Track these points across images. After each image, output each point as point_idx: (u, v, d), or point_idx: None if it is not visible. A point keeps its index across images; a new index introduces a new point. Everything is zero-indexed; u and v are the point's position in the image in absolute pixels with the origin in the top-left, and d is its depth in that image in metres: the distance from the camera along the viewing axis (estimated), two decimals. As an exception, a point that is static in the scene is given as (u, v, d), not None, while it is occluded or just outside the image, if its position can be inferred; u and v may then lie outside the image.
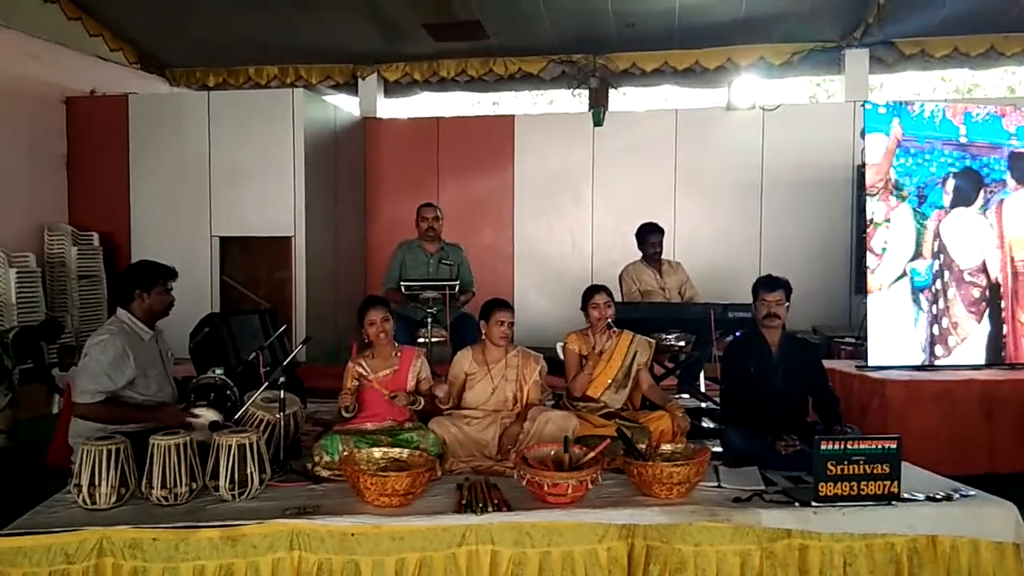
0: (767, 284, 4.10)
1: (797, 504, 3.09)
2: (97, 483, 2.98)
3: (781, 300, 4.04)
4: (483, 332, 4.14)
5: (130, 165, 9.14)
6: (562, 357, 4.41)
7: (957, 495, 3.22)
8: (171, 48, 10.33)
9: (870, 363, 5.43)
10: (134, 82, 10.11)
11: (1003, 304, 5.63)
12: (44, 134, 8.98)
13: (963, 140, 5.59)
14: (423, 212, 5.64)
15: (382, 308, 4.02)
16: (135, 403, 3.55)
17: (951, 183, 5.56)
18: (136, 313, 3.66)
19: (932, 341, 5.52)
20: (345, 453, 3.40)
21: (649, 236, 5.89)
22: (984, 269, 5.61)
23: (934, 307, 5.52)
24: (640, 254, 5.97)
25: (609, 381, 4.24)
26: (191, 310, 5.14)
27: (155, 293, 3.67)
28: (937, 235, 5.55)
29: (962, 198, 5.60)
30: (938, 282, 5.53)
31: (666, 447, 3.53)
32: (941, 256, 5.56)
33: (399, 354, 4.05)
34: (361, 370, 3.95)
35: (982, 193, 5.61)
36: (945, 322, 5.55)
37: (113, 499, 3.00)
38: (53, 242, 8.71)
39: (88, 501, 2.98)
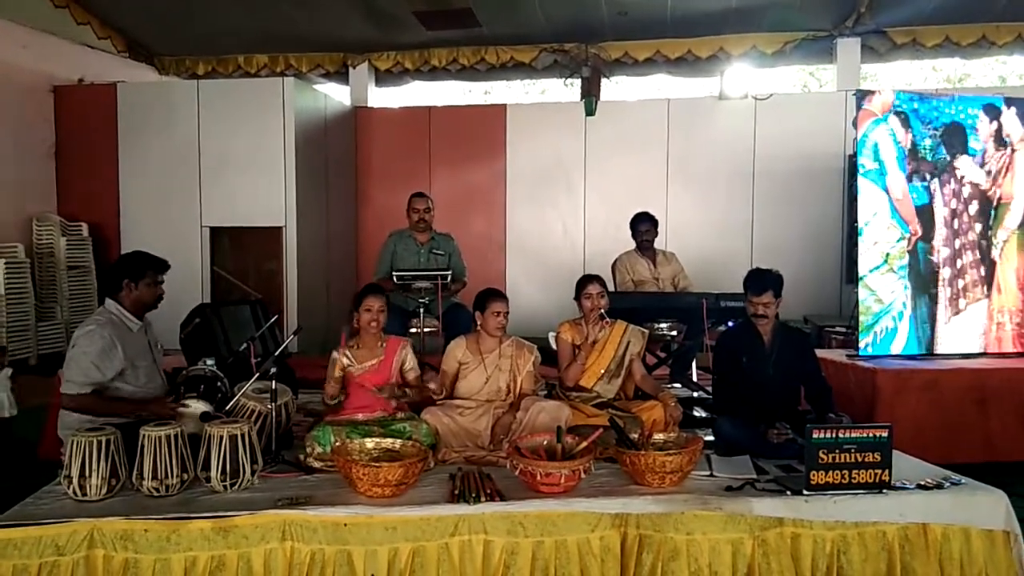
0: (755, 286, 4.04)
1: (789, 492, 3.10)
2: (88, 474, 2.96)
3: (769, 302, 4.01)
4: (478, 322, 4.13)
5: (119, 154, 9.07)
6: (555, 347, 4.41)
7: (948, 483, 3.24)
8: (160, 36, 10.24)
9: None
10: (123, 71, 10.03)
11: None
12: (32, 123, 8.90)
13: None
14: (414, 203, 5.61)
15: (381, 297, 4.01)
16: (123, 397, 3.53)
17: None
18: (124, 304, 3.64)
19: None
20: (337, 444, 3.39)
21: (639, 225, 5.92)
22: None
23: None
24: (634, 244, 5.98)
25: (602, 371, 4.23)
26: (181, 301, 5.12)
27: (143, 284, 3.64)
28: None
29: None
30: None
31: (658, 436, 3.53)
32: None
33: (384, 345, 4.03)
34: (346, 360, 3.94)
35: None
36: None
37: (104, 490, 2.98)
38: (42, 232, 8.65)
39: (79, 492, 2.96)
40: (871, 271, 5.40)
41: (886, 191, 5.45)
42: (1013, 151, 5.71)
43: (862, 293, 5.45)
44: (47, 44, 9.02)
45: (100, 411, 3.43)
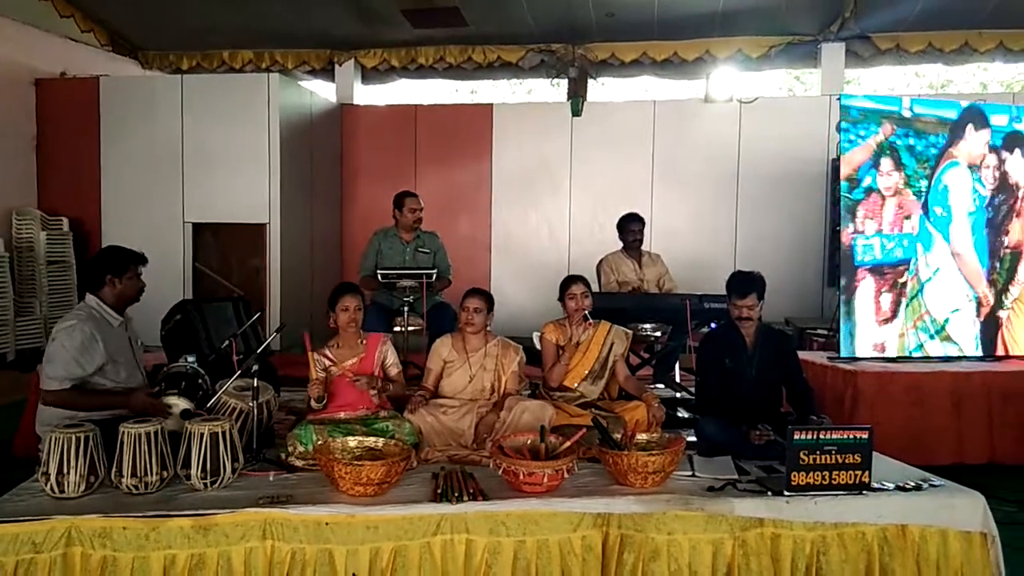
0: (739, 289, 4.05)
1: (770, 493, 3.12)
2: (65, 471, 2.92)
3: (753, 305, 4.03)
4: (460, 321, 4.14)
5: (101, 149, 8.99)
6: (539, 347, 4.41)
7: (926, 485, 3.26)
8: (144, 30, 10.15)
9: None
10: (106, 64, 9.93)
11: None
12: (13, 116, 8.80)
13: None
14: (409, 203, 5.57)
15: (357, 295, 3.99)
16: (104, 389, 3.50)
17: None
18: (106, 299, 3.61)
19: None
20: (319, 442, 3.38)
21: (629, 224, 5.96)
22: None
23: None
24: (619, 244, 6.00)
25: (586, 372, 4.24)
26: (163, 297, 5.08)
27: (127, 278, 3.63)
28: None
29: None
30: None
31: (641, 436, 3.53)
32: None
33: (364, 341, 4.02)
34: (327, 362, 3.92)
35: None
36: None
37: (82, 488, 2.94)
38: (21, 226, 8.55)
39: (56, 490, 2.93)
40: (931, 337, 5.19)
41: (948, 243, 4.89)
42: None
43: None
44: (29, 37, 8.92)
45: (81, 406, 3.40)
